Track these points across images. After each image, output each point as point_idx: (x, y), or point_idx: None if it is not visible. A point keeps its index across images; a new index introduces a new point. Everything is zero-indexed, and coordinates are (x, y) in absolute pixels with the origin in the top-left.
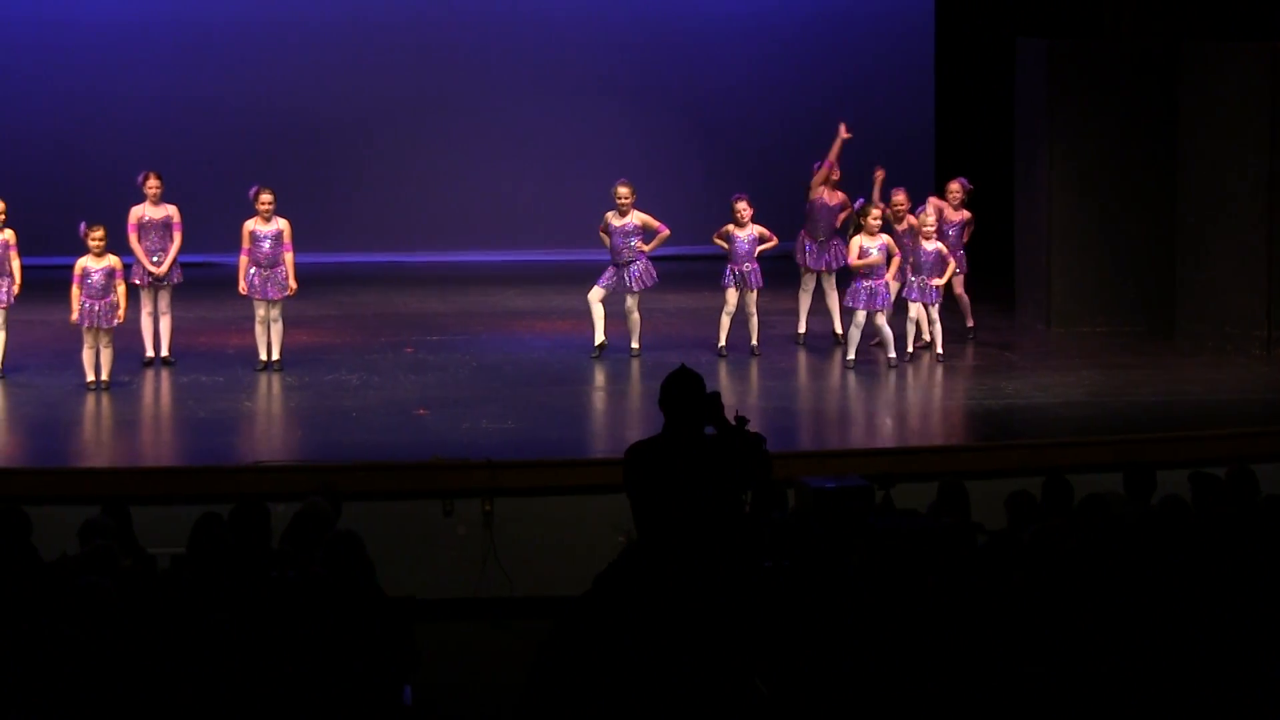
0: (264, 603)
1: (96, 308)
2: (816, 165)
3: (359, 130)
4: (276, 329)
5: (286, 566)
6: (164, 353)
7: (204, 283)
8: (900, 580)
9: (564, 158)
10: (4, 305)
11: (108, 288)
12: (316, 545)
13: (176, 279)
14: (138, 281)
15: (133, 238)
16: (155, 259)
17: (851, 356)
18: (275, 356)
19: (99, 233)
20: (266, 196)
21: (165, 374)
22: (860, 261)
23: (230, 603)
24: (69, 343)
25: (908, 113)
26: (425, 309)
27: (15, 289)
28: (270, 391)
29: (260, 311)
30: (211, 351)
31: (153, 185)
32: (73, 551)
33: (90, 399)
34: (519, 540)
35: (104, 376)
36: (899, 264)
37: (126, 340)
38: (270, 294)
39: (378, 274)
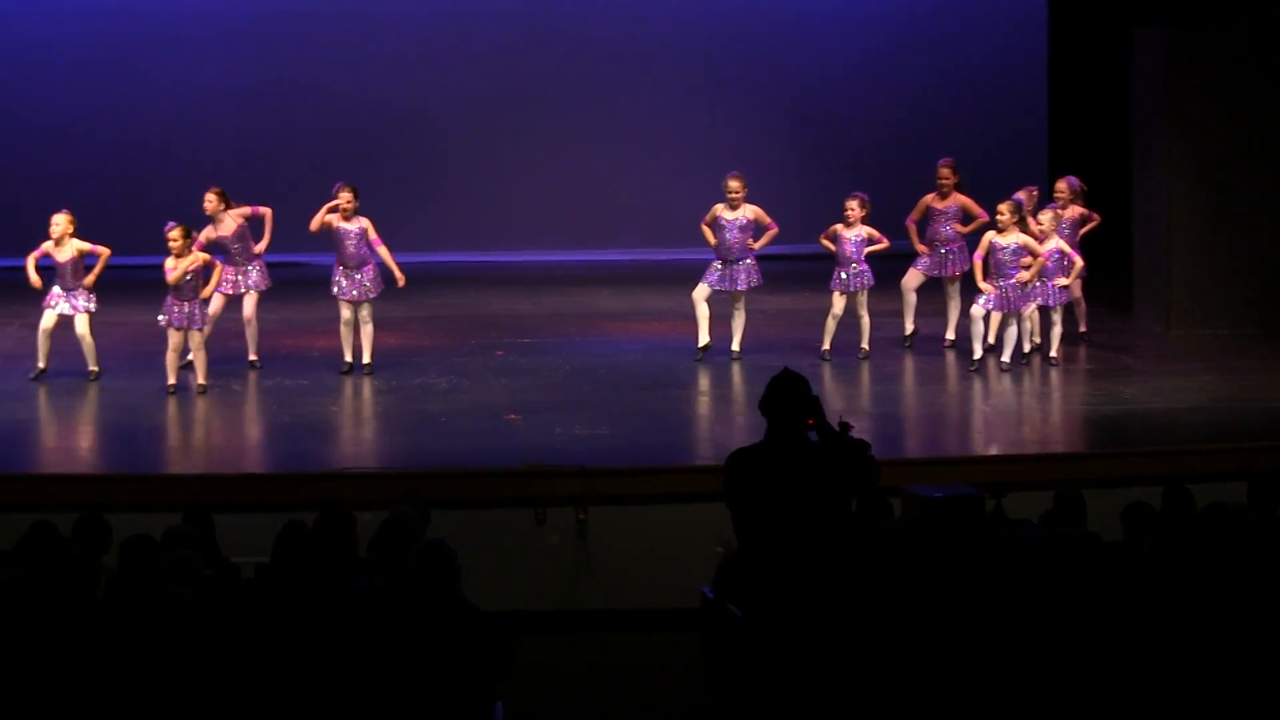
0: (350, 613)
1: (185, 309)
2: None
3: (448, 125)
4: (365, 331)
5: (373, 576)
6: (251, 356)
7: (293, 283)
8: (1012, 594)
9: (660, 153)
10: (87, 311)
11: (195, 288)
12: (404, 554)
13: (262, 284)
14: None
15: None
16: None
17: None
18: (365, 360)
19: (174, 233)
20: (345, 194)
21: (251, 377)
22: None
23: (315, 613)
24: (150, 344)
25: (1020, 107)
26: (516, 310)
27: (93, 301)
28: (357, 396)
29: (345, 313)
30: (297, 354)
31: (210, 201)
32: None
33: (172, 403)
34: (614, 550)
35: (200, 380)
36: (1041, 264)
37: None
38: (353, 294)
39: (467, 274)
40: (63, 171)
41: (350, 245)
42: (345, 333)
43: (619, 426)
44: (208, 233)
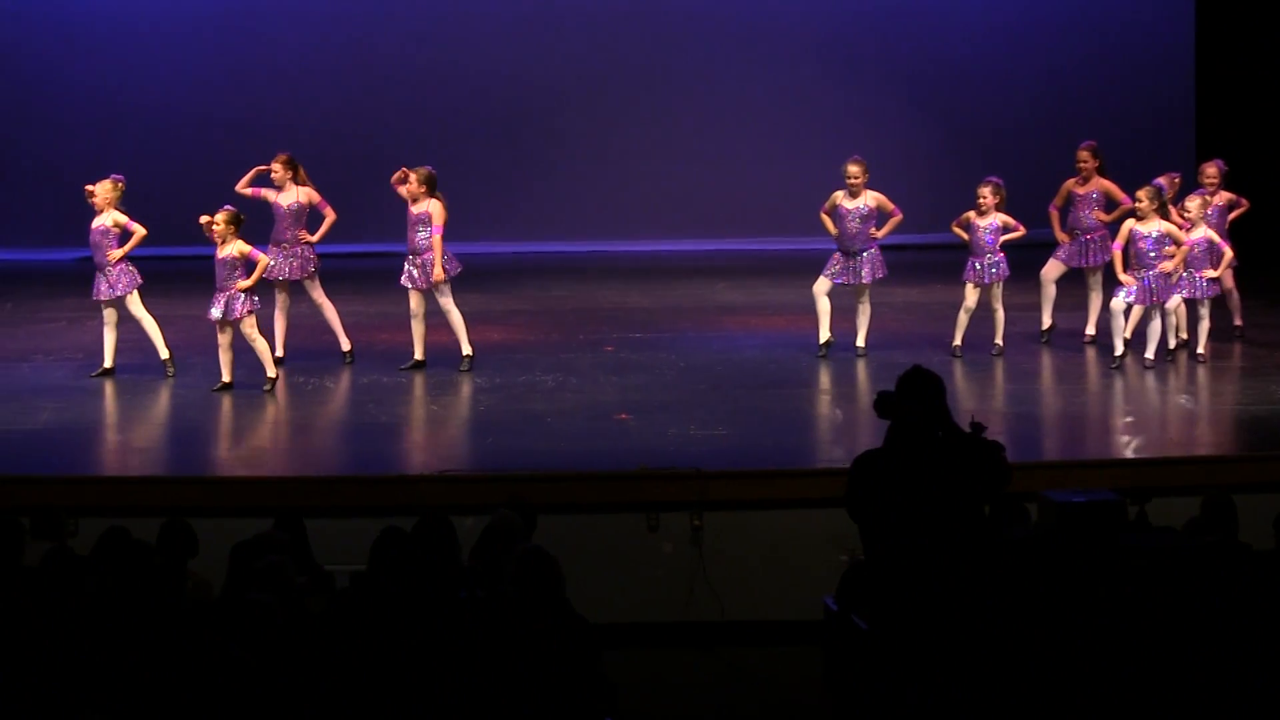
0: (451, 624)
1: (235, 301)
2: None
3: (555, 109)
4: (452, 321)
5: (475, 585)
6: (345, 346)
7: (387, 275)
8: (1156, 606)
9: (780, 137)
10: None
11: (228, 279)
12: (507, 562)
13: (298, 272)
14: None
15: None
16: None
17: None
18: (466, 352)
19: (219, 216)
20: (413, 176)
21: (345, 374)
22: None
23: (414, 624)
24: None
25: (1164, 88)
26: (627, 303)
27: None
28: (458, 394)
29: (411, 303)
30: (393, 350)
31: (275, 170)
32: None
33: (263, 402)
34: (731, 558)
35: (271, 373)
36: (1185, 254)
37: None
38: (416, 282)
39: (574, 265)
40: (153, 158)
41: (418, 231)
42: (414, 325)
43: (737, 427)
44: (269, 192)
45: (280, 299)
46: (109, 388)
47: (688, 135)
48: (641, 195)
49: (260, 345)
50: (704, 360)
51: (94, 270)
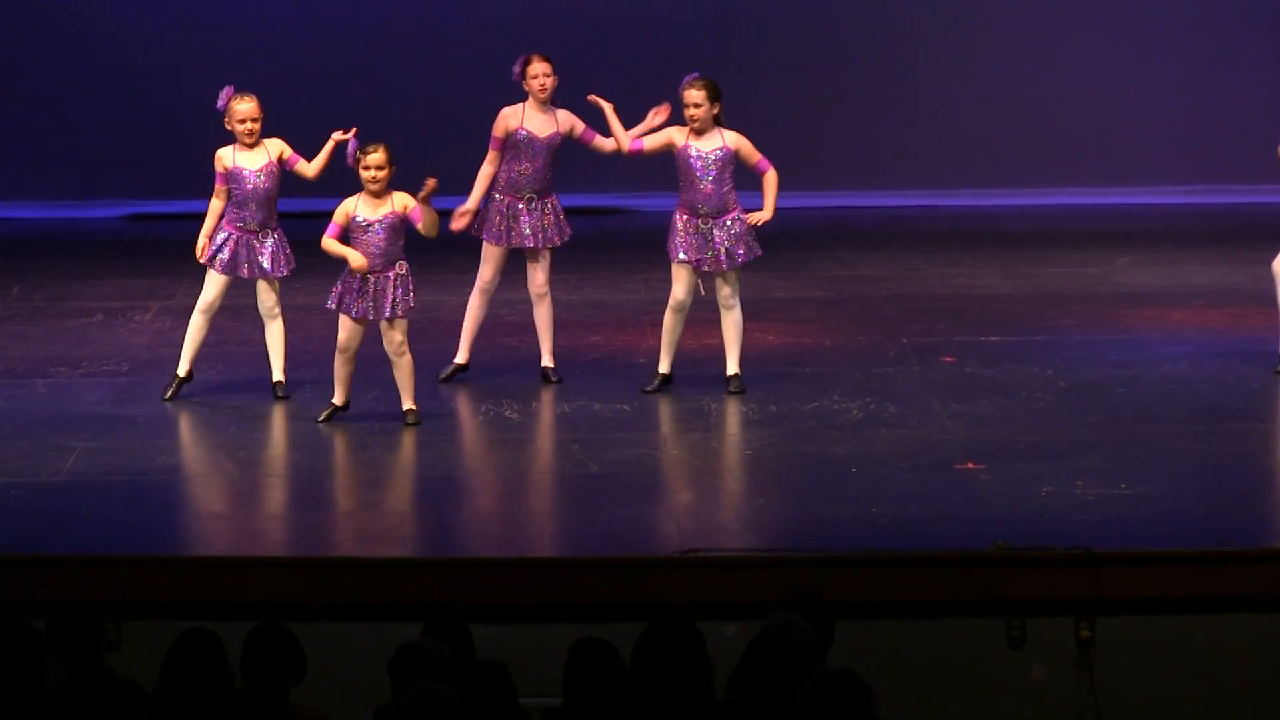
0: None
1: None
2: None
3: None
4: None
5: None
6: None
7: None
8: None
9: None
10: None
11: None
12: (790, 687)
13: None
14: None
15: None
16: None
17: None
18: (732, 371)
19: (369, 158)
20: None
21: (543, 396)
22: None
23: None
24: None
25: None
26: (974, 286)
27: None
28: (715, 429)
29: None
30: (606, 359)
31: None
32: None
33: (396, 441)
34: (1139, 690)
35: (409, 403)
36: None
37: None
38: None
39: (891, 226)
40: None
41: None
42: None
43: (1149, 484)
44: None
45: None
46: (194, 415)
47: (1070, 35)
48: (995, 125)
49: (406, 362)
50: (1096, 378)
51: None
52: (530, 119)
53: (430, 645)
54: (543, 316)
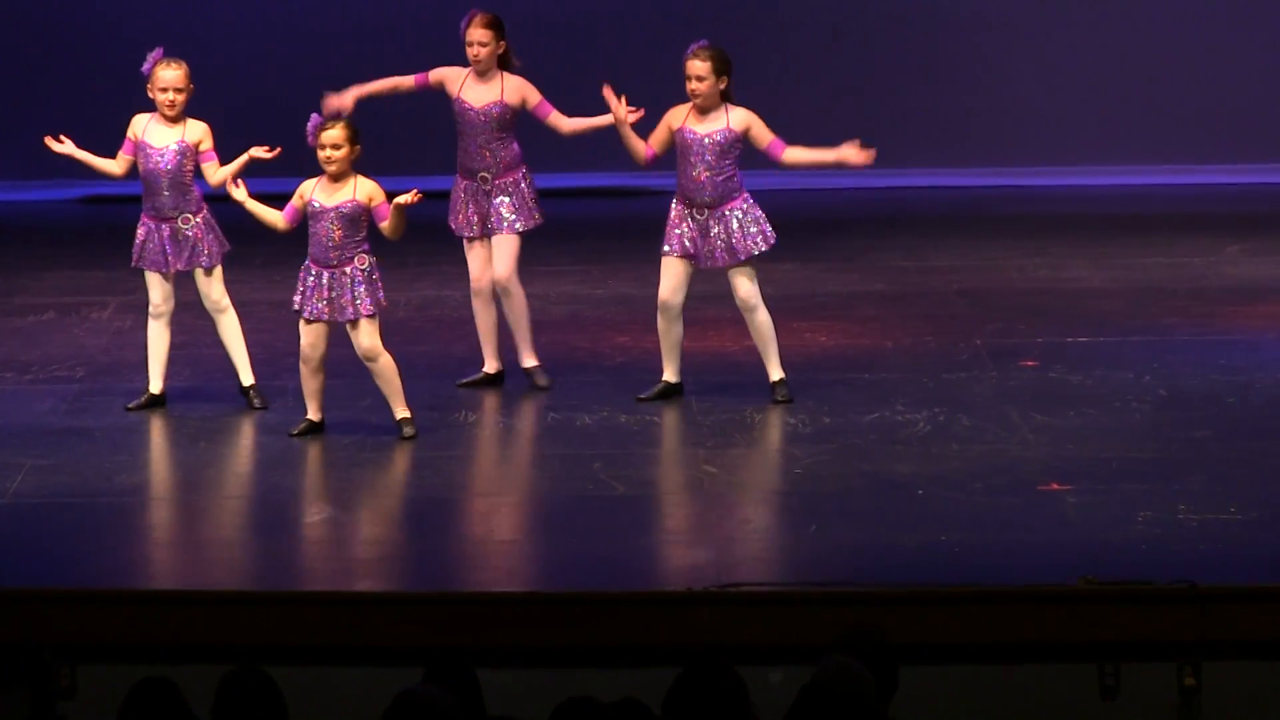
0: None
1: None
2: None
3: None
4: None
5: None
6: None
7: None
8: None
9: None
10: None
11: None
12: None
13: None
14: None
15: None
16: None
17: None
18: (776, 377)
19: (324, 134)
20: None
21: (529, 406)
22: None
23: None
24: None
25: None
26: (1059, 279)
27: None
28: (756, 443)
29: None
30: (632, 364)
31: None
32: None
33: (387, 457)
34: None
35: (402, 411)
36: None
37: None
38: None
39: (959, 208)
40: None
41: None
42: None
43: (1263, 509)
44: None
45: None
46: (158, 427)
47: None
48: (1083, 92)
49: (383, 366)
50: (1202, 385)
51: (135, 220)
52: (468, 88)
53: (432, 693)
54: (510, 311)
